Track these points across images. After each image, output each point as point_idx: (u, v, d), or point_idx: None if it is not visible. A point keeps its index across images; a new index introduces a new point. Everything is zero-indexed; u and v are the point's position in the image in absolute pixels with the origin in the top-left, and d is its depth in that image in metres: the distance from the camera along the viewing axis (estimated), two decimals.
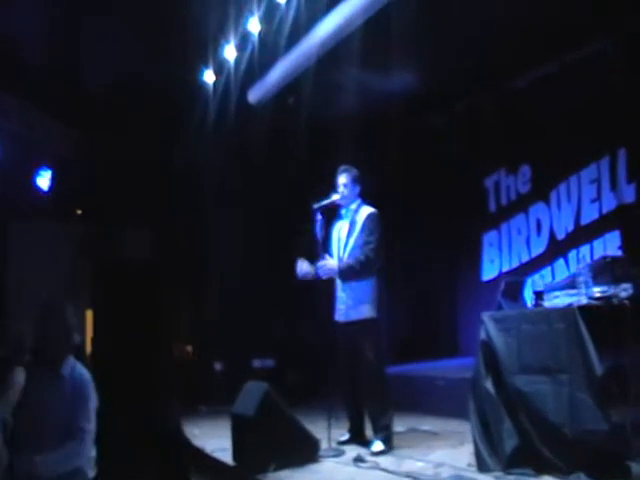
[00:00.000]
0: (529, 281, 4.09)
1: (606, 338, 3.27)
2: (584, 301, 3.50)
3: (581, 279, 3.63)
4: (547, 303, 3.77)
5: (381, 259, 4.72)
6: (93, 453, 3.14)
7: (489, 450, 3.65)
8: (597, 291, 3.55)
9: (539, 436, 3.41)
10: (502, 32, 6.10)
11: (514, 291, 3.94)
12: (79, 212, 8.86)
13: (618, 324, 3.34)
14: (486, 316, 3.84)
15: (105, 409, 3.25)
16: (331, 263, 4.69)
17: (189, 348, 8.39)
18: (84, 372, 3.17)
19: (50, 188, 7.41)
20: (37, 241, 7.76)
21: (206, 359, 8.21)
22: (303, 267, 4.77)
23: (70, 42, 6.06)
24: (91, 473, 3.11)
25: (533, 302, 3.83)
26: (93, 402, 3.14)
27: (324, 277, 4.70)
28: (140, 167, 7.36)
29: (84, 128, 7.23)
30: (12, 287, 7.68)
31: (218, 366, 8.18)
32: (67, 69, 6.44)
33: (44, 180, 7.27)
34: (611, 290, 3.54)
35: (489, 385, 3.69)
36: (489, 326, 3.78)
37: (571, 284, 3.75)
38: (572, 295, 3.66)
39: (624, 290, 3.55)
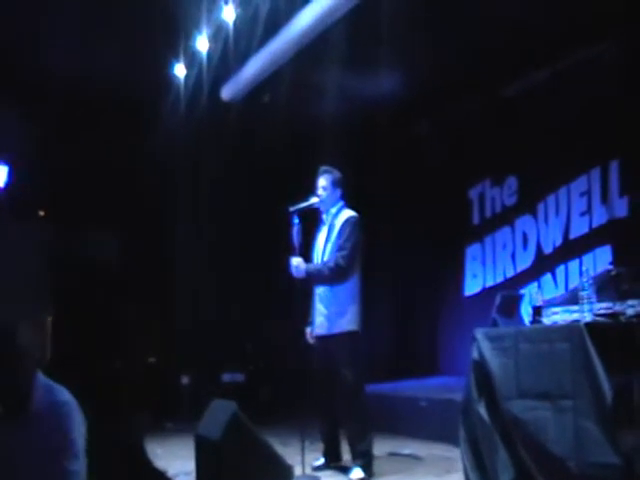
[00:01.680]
0: (526, 295, 3.75)
1: (614, 360, 2.93)
2: (589, 318, 3.17)
3: (584, 294, 3.30)
4: (546, 320, 3.44)
5: (355, 267, 4.39)
6: None
7: None
8: (602, 307, 3.23)
9: (539, 470, 3.03)
10: (492, 36, 5.87)
11: (510, 306, 3.59)
12: (42, 213, 8.39)
13: (627, 344, 3.01)
14: (479, 333, 3.48)
15: None
16: (300, 263, 4.37)
17: (154, 359, 7.95)
18: (62, 395, 2.39)
19: (6, 185, 6.93)
20: None
21: (173, 372, 7.77)
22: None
23: (31, 30, 5.66)
24: None
25: (531, 319, 3.48)
26: (78, 432, 2.39)
27: (294, 275, 4.39)
28: (105, 166, 6.94)
29: (45, 124, 6.78)
30: None
31: (185, 380, 7.75)
32: (27, 59, 6.01)
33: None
34: (617, 306, 3.22)
35: (482, 410, 3.32)
36: (483, 345, 3.42)
37: (572, 299, 3.41)
38: (573, 312, 3.33)
39: (631, 307, 3.23)
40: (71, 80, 6.06)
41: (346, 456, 4.46)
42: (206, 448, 3.92)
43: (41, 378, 2.35)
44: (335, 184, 4.52)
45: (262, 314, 7.47)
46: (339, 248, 4.34)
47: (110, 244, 7.80)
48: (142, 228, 7.64)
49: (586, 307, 3.23)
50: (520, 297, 3.78)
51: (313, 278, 4.41)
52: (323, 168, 4.55)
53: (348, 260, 4.31)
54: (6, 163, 6.93)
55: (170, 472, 4.53)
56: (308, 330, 4.59)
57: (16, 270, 7.22)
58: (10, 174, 6.93)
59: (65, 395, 2.39)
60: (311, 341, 4.57)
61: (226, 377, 7.81)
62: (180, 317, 7.88)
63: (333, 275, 4.31)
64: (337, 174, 4.55)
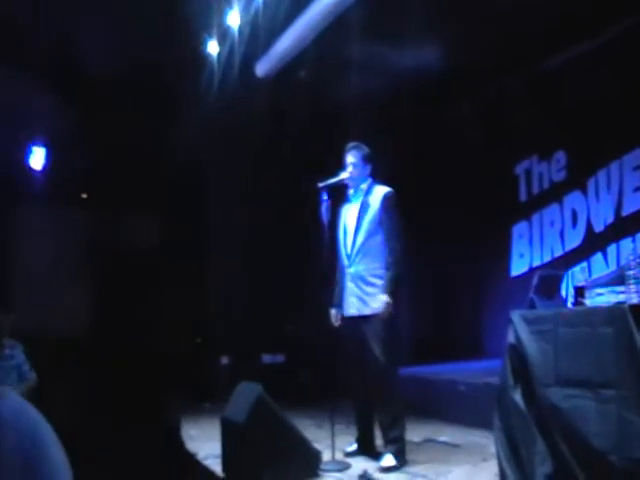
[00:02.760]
0: (568, 275, 3.49)
1: None
2: (635, 300, 2.90)
3: (631, 273, 3.03)
4: (589, 302, 3.18)
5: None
6: None
7: (517, 475, 3.06)
8: None
9: (579, 463, 2.79)
10: (535, 7, 5.51)
11: (550, 287, 3.33)
12: (84, 196, 8.42)
13: None
14: (516, 315, 3.24)
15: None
16: (388, 301, 4.10)
17: (195, 340, 7.94)
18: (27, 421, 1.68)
19: (44, 168, 6.94)
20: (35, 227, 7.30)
21: (212, 352, 7.74)
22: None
23: (62, 12, 5.58)
24: None
25: (573, 300, 3.23)
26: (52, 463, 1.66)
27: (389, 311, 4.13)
28: (139, 148, 6.87)
29: (83, 106, 6.75)
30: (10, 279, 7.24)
31: (225, 360, 7.72)
32: (60, 42, 5.96)
33: (37, 159, 6.80)
34: None
35: (518, 398, 3.09)
36: (519, 327, 3.19)
37: (618, 279, 3.14)
38: (619, 293, 3.07)
39: None
40: (104, 61, 5.98)
41: (379, 442, 4.30)
42: (231, 431, 3.83)
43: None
44: (365, 160, 4.33)
45: (301, 295, 7.33)
46: (388, 237, 4.16)
47: (149, 228, 7.83)
48: (177, 210, 7.59)
49: (633, 288, 2.96)
50: (560, 277, 3.52)
51: (394, 287, 4.16)
52: (351, 144, 4.36)
53: (400, 240, 4.17)
54: (44, 145, 6.95)
55: (200, 454, 4.49)
56: (333, 312, 4.42)
57: (58, 252, 7.29)
58: (48, 157, 6.95)
59: (30, 427, 1.67)
60: (336, 324, 4.39)
61: (266, 358, 7.75)
62: (219, 299, 7.83)
63: (400, 267, 4.15)
64: (366, 149, 4.36)
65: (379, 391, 4.12)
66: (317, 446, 4.03)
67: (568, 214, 6.70)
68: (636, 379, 2.62)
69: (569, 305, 3.31)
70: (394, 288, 4.13)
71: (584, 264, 6.27)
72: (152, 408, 3.62)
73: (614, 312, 2.75)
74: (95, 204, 7.85)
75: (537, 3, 5.50)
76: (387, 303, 4.07)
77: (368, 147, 4.40)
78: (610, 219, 6.20)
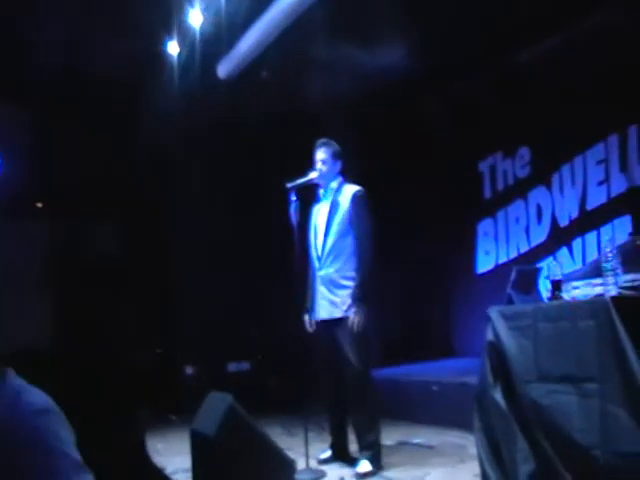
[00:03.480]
0: (544, 269, 3.43)
1: None
2: (614, 291, 2.84)
3: (608, 265, 2.97)
4: (566, 295, 3.12)
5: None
6: None
7: (499, 476, 2.98)
8: (628, 279, 2.91)
9: (562, 460, 2.72)
10: (499, 4, 5.50)
11: (527, 281, 3.26)
12: (39, 205, 8.15)
13: None
14: (494, 312, 3.16)
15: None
16: (359, 313, 4.01)
17: (160, 350, 7.73)
18: (36, 401, 1.68)
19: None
20: None
21: (176, 362, 7.53)
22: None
23: (13, 11, 5.36)
24: None
25: (550, 294, 3.16)
26: (61, 445, 1.64)
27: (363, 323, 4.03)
28: (98, 152, 6.65)
29: (37, 111, 6.52)
30: None
31: (189, 370, 7.52)
32: (12, 43, 5.72)
33: None
34: None
35: (498, 396, 3.01)
36: (498, 324, 3.11)
37: (594, 272, 3.09)
38: (596, 285, 3.01)
39: None
40: (59, 63, 5.76)
41: (354, 447, 4.19)
42: (201, 444, 3.66)
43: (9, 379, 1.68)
44: (335, 156, 4.24)
45: (265, 300, 7.20)
46: (359, 236, 4.09)
47: (109, 235, 7.61)
48: (138, 216, 7.39)
49: (610, 280, 2.90)
50: (538, 271, 3.46)
51: (364, 294, 4.07)
52: (321, 141, 4.26)
53: (370, 240, 4.10)
54: None
55: (169, 469, 4.33)
56: (307, 318, 4.30)
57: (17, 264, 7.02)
58: (1, 165, 6.68)
59: (40, 400, 1.72)
60: (310, 329, 4.27)
61: (232, 367, 7.59)
62: (183, 307, 7.64)
63: (371, 268, 4.07)
64: (336, 146, 4.28)
65: (354, 396, 4.01)
66: (290, 454, 3.89)
67: (533, 210, 6.70)
68: (619, 371, 2.56)
69: (546, 299, 3.25)
70: (364, 291, 4.02)
71: (550, 259, 6.27)
72: (115, 421, 3.45)
73: (596, 305, 2.69)
74: (51, 213, 7.61)
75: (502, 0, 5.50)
76: (355, 312, 3.96)
77: (334, 142, 4.30)
78: (575, 213, 6.21)
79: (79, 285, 6.98)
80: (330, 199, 4.19)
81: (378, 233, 4.25)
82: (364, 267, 4.03)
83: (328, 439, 4.38)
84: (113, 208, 7.28)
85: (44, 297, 6.91)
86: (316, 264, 4.21)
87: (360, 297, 4.01)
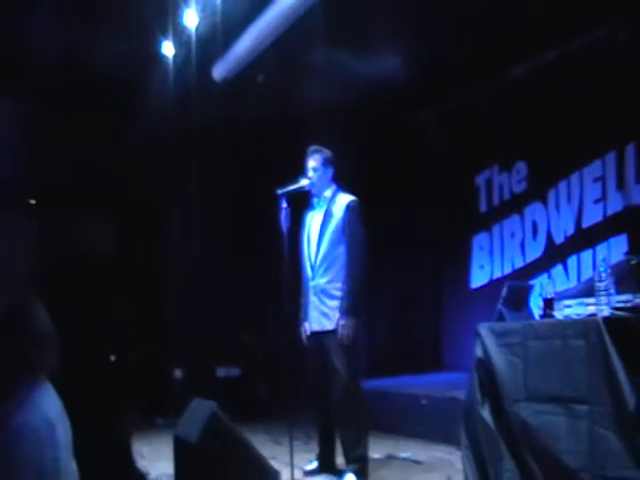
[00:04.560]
0: (536, 286, 3.40)
1: (636, 359, 2.58)
2: (606, 312, 2.81)
3: (601, 285, 2.94)
4: (557, 314, 3.09)
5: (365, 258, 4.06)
6: None
7: None
8: (621, 300, 2.88)
9: None
10: (498, 16, 5.46)
11: (518, 298, 3.23)
12: (32, 202, 8.11)
13: None
14: (483, 328, 3.13)
15: None
16: (348, 324, 3.94)
17: (152, 352, 7.67)
18: (40, 416, 1.86)
19: None
20: None
21: (165, 365, 7.47)
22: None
23: (9, 7, 5.33)
24: None
25: (541, 312, 3.13)
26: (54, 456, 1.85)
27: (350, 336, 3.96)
28: (93, 151, 6.62)
29: (31, 108, 6.47)
30: None
31: (178, 373, 7.46)
32: (6, 40, 5.69)
33: None
34: (637, 299, 2.87)
35: (486, 414, 2.98)
36: (487, 341, 3.08)
37: (587, 291, 3.06)
38: (589, 305, 2.98)
39: None
40: (53, 61, 5.71)
41: (340, 459, 4.13)
42: (184, 450, 3.61)
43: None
44: (326, 163, 4.16)
45: (259, 305, 7.15)
46: (350, 249, 4.01)
47: (101, 234, 7.57)
48: (133, 216, 7.34)
49: (603, 300, 2.88)
50: (529, 288, 3.43)
51: (356, 306, 4.01)
52: (312, 148, 4.19)
53: (362, 253, 4.03)
54: None
55: (152, 474, 4.29)
56: (304, 327, 4.23)
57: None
58: None
59: (43, 416, 1.90)
60: (306, 341, 4.23)
61: (221, 372, 7.53)
62: (173, 309, 7.60)
63: (361, 280, 4.01)
64: (327, 153, 4.20)
65: (343, 408, 3.96)
66: (275, 464, 3.84)
67: (529, 225, 6.67)
68: (609, 394, 2.53)
69: (537, 317, 3.21)
70: (354, 303, 3.97)
71: (545, 276, 6.24)
72: (101, 424, 3.40)
73: (587, 325, 2.67)
74: (44, 210, 7.57)
75: (500, 14, 5.47)
76: (342, 325, 3.92)
77: (326, 149, 4.25)
78: (570, 231, 6.18)
79: (67, 283, 6.93)
80: (324, 208, 4.14)
81: (372, 244, 4.21)
82: (353, 278, 3.98)
83: (315, 449, 4.32)
84: (106, 207, 7.25)
85: (32, 295, 6.83)
86: (309, 273, 4.16)
87: (348, 309, 3.94)
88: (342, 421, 4.02)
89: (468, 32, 5.73)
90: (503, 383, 2.94)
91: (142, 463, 4.44)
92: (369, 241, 4.15)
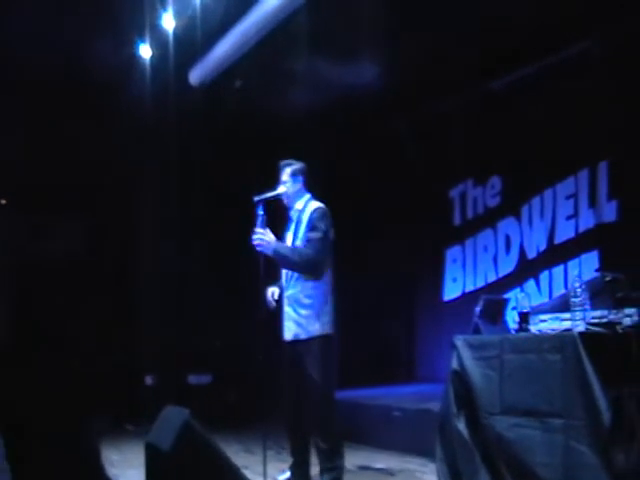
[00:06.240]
0: (512, 300, 3.43)
1: (610, 374, 2.62)
2: (581, 327, 2.86)
3: (576, 300, 2.99)
4: (533, 328, 3.13)
5: (327, 264, 4.01)
6: None
7: None
8: (596, 315, 2.93)
9: None
10: (475, 30, 5.57)
11: (494, 311, 3.26)
12: (3, 202, 7.99)
13: (624, 357, 2.71)
14: (460, 340, 3.16)
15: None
16: (269, 237, 3.92)
17: (122, 357, 7.57)
18: None
19: None
20: None
21: (136, 371, 7.39)
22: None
23: None
24: None
25: (517, 326, 3.16)
26: None
27: (259, 248, 3.93)
28: (68, 152, 6.54)
29: (3, 107, 6.38)
30: None
31: (149, 380, 7.38)
32: None
33: None
34: (612, 315, 2.92)
35: (461, 426, 3.00)
36: (463, 353, 3.10)
37: (562, 306, 3.11)
38: (564, 320, 3.03)
39: (628, 316, 2.94)
40: (27, 61, 5.64)
41: (314, 470, 4.11)
42: (156, 458, 3.54)
43: None
44: (294, 175, 4.14)
45: (232, 311, 7.11)
46: (307, 240, 3.97)
47: (72, 237, 7.46)
48: (107, 219, 7.26)
49: (579, 315, 2.93)
50: (505, 302, 3.47)
51: (280, 259, 3.96)
52: (282, 162, 4.19)
53: (317, 251, 3.93)
54: None
55: None
56: (270, 290, 4.20)
57: None
58: None
59: None
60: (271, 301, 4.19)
61: (192, 379, 7.47)
62: (145, 314, 7.52)
63: (303, 264, 3.92)
64: (296, 165, 4.18)
65: (318, 418, 3.94)
66: (247, 473, 3.79)
67: (502, 240, 6.75)
68: (585, 408, 2.57)
69: (513, 331, 3.25)
70: (279, 255, 3.92)
71: (517, 290, 6.30)
72: (69, 431, 3.34)
73: (563, 339, 2.71)
74: (15, 210, 7.45)
75: (476, 29, 5.56)
76: (266, 240, 3.89)
77: (301, 161, 4.24)
78: (543, 246, 6.27)
79: (37, 286, 6.83)
80: (295, 219, 4.15)
81: (344, 256, 4.20)
82: (296, 254, 3.93)
83: (287, 459, 4.28)
84: (78, 209, 7.16)
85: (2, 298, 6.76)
86: (284, 283, 4.16)
87: (278, 248, 3.92)
88: (317, 431, 4.00)
89: (444, 45, 5.81)
90: (479, 396, 2.96)
91: (112, 471, 4.38)
92: (342, 252, 4.15)
